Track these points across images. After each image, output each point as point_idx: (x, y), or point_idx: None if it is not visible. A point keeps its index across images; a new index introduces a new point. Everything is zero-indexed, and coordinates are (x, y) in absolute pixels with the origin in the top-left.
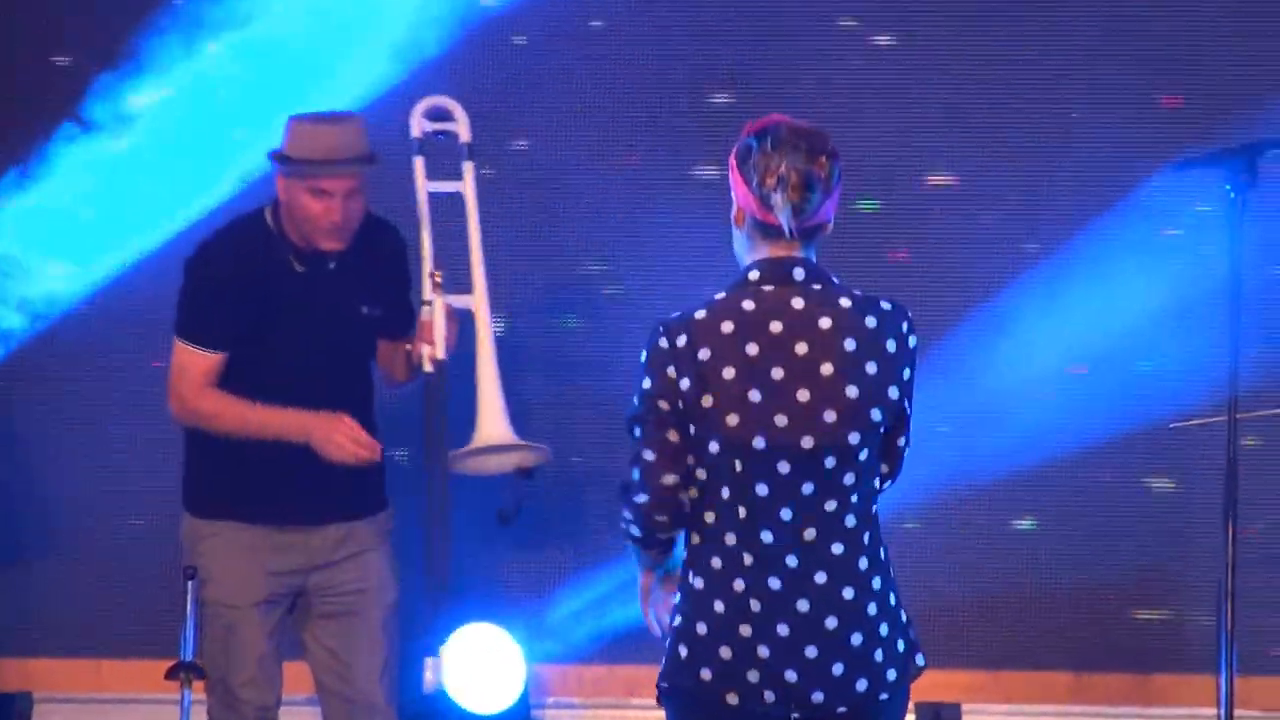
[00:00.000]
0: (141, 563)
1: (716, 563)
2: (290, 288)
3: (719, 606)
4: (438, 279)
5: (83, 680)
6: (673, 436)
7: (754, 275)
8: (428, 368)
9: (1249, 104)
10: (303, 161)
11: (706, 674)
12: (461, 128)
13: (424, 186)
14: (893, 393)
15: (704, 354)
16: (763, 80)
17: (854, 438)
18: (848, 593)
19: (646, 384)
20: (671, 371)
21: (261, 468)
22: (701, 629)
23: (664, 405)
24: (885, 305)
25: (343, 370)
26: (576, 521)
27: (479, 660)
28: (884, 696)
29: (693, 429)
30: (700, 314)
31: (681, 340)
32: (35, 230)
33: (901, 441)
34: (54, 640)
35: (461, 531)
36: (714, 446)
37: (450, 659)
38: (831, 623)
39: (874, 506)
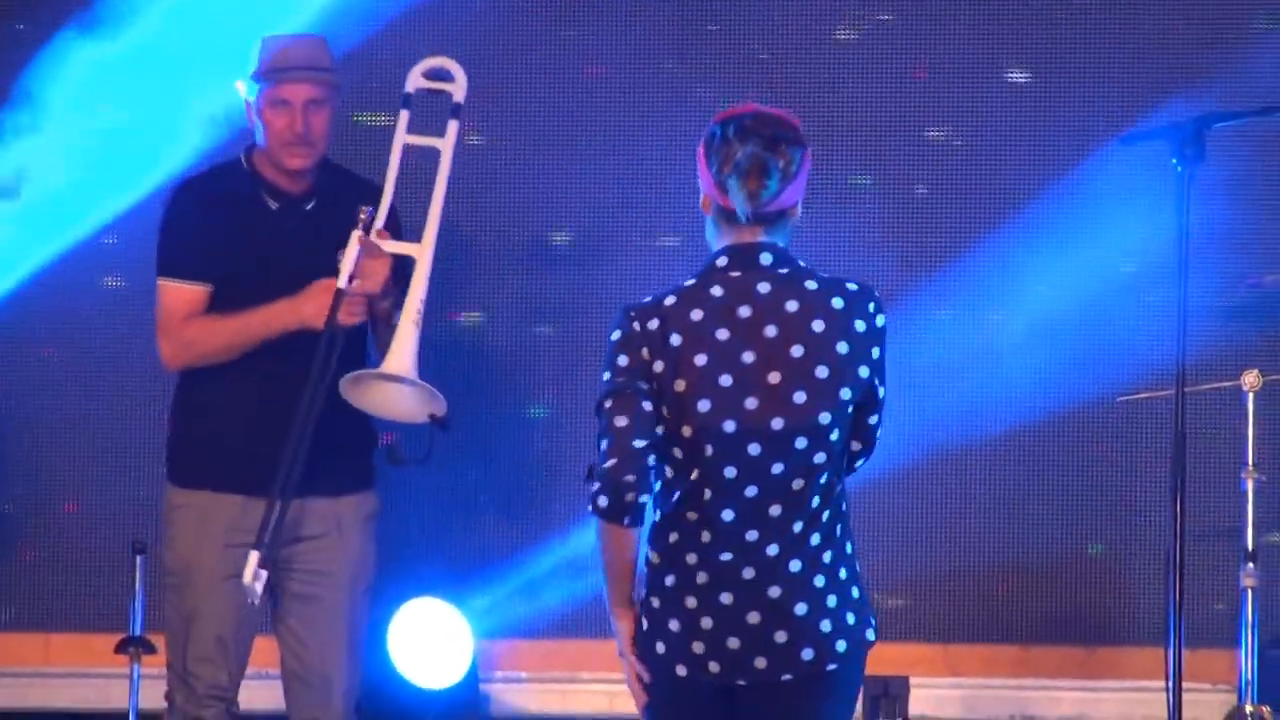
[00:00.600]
0: (91, 537)
1: (673, 537)
2: (265, 223)
3: (669, 580)
4: (363, 216)
5: (31, 654)
6: (646, 407)
7: (721, 261)
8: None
9: (1198, 79)
10: (263, 73)
11: (661, 647)
12: (458, 90)
13: (401, 139)
14: (863, 371)
15: (675, 340)
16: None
17: (825, 417)
18: (795, 565)
19: (623, 361)
20: (646, 353)
21: (240, 433)
22: (655, 603)
23: (639, 383)
24: (851, 286)
25: None
26: (524, 496)
27: (427, 635)
28: (831, 667)
29: (665, 411)
30: (670, 300)
31: (654, 324)
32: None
33: (874, 420)
34: (1, 614)
35: (409, 508)
36: (687, 430)
37: (398, 634)
38: (774, 592)
39: (840, 484)
